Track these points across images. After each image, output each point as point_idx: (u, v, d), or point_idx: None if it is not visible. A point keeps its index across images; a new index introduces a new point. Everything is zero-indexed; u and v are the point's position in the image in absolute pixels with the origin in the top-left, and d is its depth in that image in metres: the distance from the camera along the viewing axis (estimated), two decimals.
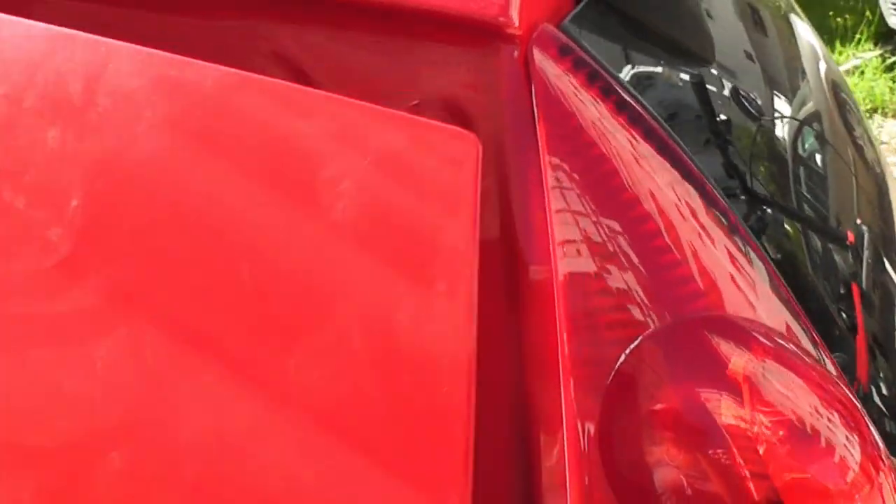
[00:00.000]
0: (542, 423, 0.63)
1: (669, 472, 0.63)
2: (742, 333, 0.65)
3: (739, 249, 0.70)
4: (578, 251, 0.63)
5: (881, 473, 0.62)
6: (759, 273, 0.72)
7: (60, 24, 0.66)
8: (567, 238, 0.64)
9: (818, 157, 1.16)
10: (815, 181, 1.10)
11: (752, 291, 0.69)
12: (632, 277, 0.66)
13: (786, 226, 0.97)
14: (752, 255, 0.72)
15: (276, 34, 0.71)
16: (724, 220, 0.71)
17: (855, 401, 0.66)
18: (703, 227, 0.70)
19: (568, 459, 0.61)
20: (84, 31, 0.65)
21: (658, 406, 0.63)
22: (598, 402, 0.62)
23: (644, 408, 0.63)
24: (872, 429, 0.65)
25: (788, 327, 0.72)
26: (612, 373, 0.63)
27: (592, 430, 0.62)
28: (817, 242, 1.01)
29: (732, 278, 0.70)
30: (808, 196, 1.06)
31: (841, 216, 1.09)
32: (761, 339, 0.65)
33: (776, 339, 0.67)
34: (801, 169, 1.08)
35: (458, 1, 0.67)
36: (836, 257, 0.99)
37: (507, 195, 0.65)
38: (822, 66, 1.46)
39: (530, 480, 0.62)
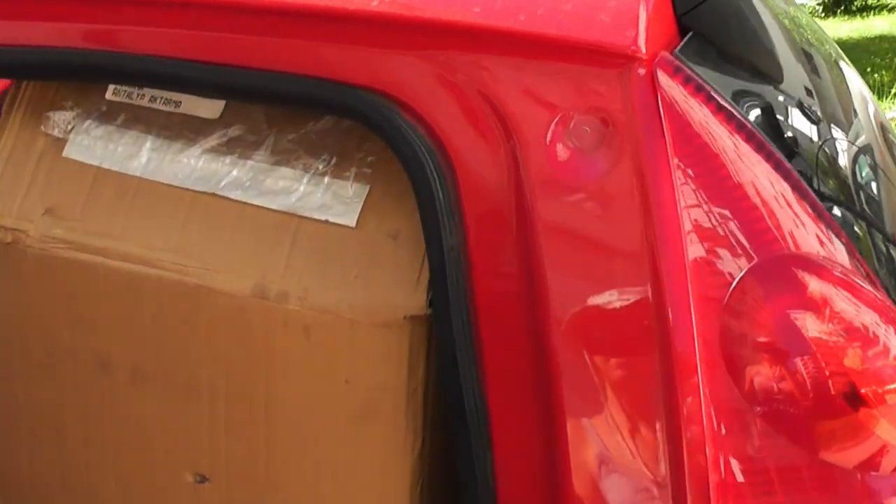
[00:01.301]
0: (678, 333, 0.97)
1: (770, 371, 0.96)
2: (819, 266, 0.99)
3: (824, 231, 1.05)
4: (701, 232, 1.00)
5: None
6: (839, 251, 1.06)
7: None
8: (691, 208, 0.99)
9: (873, 185, 1.51)
10: (870, 199, 1.44)
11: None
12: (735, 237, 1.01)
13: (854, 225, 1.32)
14: (835, 237, 1.06)
15: (459, 61, 1.07)
16: (809, 206, 1.05)
17: None
18: (794, 213, 1.05)
19: (699, 353, 0.96)
20: None
21: (758, 319, 0.98)
22: (717, 315, 0.97)
23: (749, 321, 0.98)
24: None
25: None
26: (727, 296, 0.98)
27: (715, 335, 0.97)
28: (878, 241, 1.35)
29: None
30: (867, 208, 1.40)
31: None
32: (835, 270, 0.99)
33: (846, 272, 1.01)
34: (861, 189, 1.43)
35: (603, 36, 1.03)
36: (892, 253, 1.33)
37: (642, 169, 1.00)
38: (871, 108, 1.82)
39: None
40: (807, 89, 1.33)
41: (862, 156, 1.50)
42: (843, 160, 1.41)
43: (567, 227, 1.03)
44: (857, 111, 1.66)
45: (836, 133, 1.41)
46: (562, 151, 1.04)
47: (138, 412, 1.34)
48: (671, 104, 1.03)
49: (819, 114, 1.27)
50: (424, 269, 1.17)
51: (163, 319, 1.28)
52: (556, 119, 1.05)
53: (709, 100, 1.05)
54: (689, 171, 1.02)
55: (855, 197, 1.36)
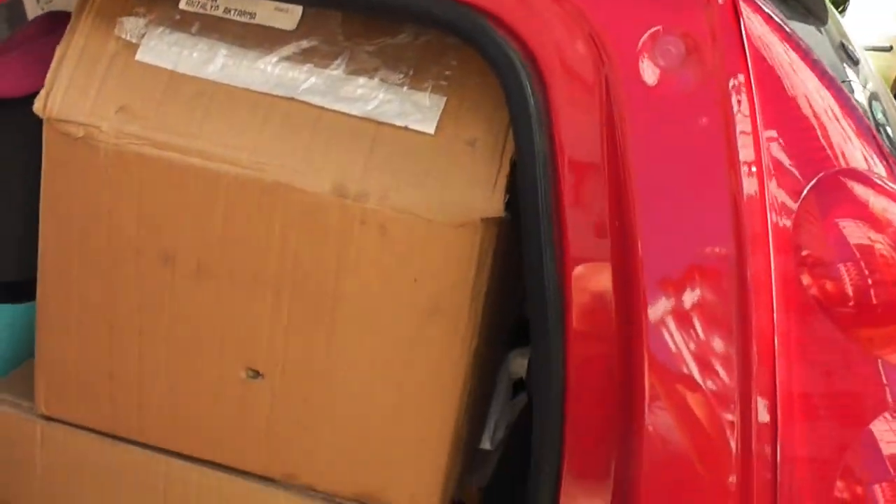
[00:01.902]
0: (753, 243, 1.14)
1: (837, 280, 1.14)
2: (866, 178, 1.17)
3: (869, 147, 1.23)
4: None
5: None
6: (879, 166, 1.24)
7: None
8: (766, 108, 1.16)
9: (889, 129, 1.70)
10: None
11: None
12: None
13: None
14: (875, 153, 1.24)
15: None
16: (854, 123, 1.23)
17: None
18: (841, 126, 1.22)
19: (774, 263, 1.13)
20: None
21: (824, 232, 1.15)
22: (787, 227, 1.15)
23: (816, 234, 1.15)
24: None
25: None
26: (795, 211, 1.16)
27: (786, 246, 1.14)
28: None
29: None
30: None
31: None
32: (880, 182, 1.18)
33: (890, 183, 1.19)
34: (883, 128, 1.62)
35: None
36: None
37: (725, 90, 1.16)
38: (870, 60, 2.01)
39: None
40: (841, 32, 1.51)
41: (875, 102, 1.69)
42: (863, 98, 1.59)
43: (652, 139, 1.17)
44: (861, 59, 1.85)
45: (860, 74, 1.60)
46: (649, 68, 1.19)
47: (197, 307, 1.44)
48: (750, 31, 1.18)
49: (856, 55, 1.44)
50: (501, 175, 1.31)
51: (235, 216, 1.38)
52: (644, 37, 1.19)
53: (778, 29, 1.21)
54: (767, 95, 1.18)
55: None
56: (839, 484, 1.18)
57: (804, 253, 1.17)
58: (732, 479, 1.18)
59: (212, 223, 1.40)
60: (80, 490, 1.60)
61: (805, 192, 1.17)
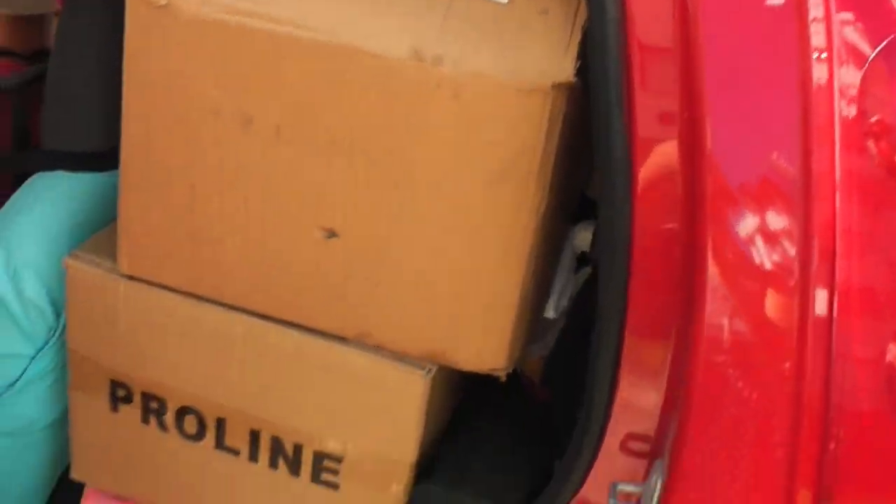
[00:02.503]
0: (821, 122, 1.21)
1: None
2: None
3: None
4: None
5: None
6: None
7: None
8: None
9: None
10: None
11: None
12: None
13: None
14: None
15: None
16: None
17: None
18: None
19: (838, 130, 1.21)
20: None
21: (885, 95, 1.22)
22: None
23: (875, 97, 1.22)
24: None
25: None
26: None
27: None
28: None
29: None
30: None
31: None
32: None
33: None
34: None
35: None
36: None
37: None
38: None
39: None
40: None
41: None
42: None
43: (722, 22, 1.24)
44: None
45: None
46: None
47: (276, 169, 1.53)
48: None
49: None
50: (572, 44, 1.37)
51: (311, 80, 1.46)
52: None
53: None
54: None
55: None
56: (893, 349, 1.26)
57: (872, 119, 1.23)
58: (787, 364, 1.26)
59: (289, 88, 1.48)
60: (161, 347, 1.73)
61: (873, 56, 1.23)
